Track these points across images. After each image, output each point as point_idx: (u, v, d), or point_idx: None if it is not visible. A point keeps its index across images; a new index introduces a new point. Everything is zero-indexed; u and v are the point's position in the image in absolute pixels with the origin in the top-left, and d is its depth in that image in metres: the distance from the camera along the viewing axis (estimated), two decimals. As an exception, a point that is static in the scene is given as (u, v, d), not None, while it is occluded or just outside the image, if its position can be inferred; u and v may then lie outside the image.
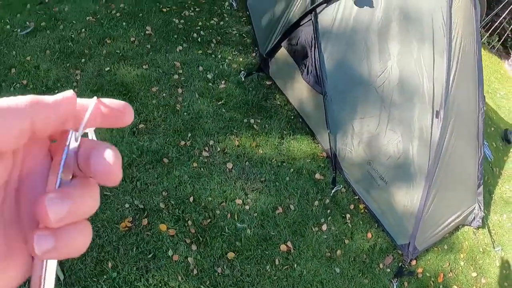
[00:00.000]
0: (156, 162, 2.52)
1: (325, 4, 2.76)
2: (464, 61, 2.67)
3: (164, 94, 2.98)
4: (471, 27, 2.78)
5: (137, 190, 2.36)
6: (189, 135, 2.75)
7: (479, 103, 3.02)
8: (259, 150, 2.87)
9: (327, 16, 2.81)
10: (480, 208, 3.31)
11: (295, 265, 2.45)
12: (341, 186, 2.94)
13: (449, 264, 3.14)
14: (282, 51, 3.19)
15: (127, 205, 2.28)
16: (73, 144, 0.24)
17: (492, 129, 4.52)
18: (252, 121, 3.05)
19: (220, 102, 3.08)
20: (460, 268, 3.19)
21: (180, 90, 3.05)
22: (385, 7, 2.62)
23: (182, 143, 2.69)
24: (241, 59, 3.59)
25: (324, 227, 2.69)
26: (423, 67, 2.54)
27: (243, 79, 3.37)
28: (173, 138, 2.69)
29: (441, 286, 2.99)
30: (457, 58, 2.59)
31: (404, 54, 2.59)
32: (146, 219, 2.26)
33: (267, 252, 2.41)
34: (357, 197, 2.96)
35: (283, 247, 2.48)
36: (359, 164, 2.87)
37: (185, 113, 2.89)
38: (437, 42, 2.52)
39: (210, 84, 3.21)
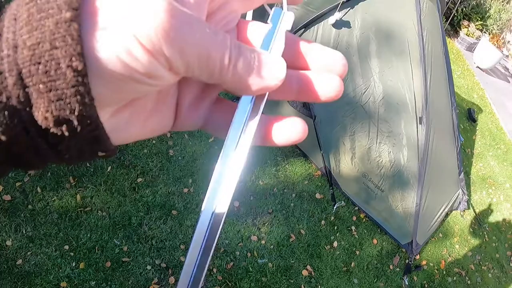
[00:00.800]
0: (165, 216, 2.52)
1: (303, 29, 2.84)
2: (435, 64, 2.86)
3: (153, 141, 2.96)
4: (437, 29, 2.97)
5: (155, 249, 2.37)
6: (190, 180, 2.76)
7: (451, 98, 3.23)
8: (259, 181, 2.93)
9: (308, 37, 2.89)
10: (464, 192, 3.57)
11: (319, 286, 2.57)
12: (341, 201, 3.07)
13: (447, 250, 3.37)
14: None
15: (149, 267, 2.28)
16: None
17: (457, 111, 4.83)
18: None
19: (210, 140, 3.10)
20: (457, 251, 3.44)
21: (168, 134, 3.04)
22: (361, 26, 2.74)
23: (185, 190, 2.70)
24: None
25: (335, 244, 2.82)
26: (403, 79, 2.70)
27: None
28: (175, 187, 2.70)
29: (444, 272, 3.22)
30: (430, 63, 2.77)
31: (385, 69, 2.73)
32: (172, 277, 2.27)
33: (291, 281, 2.51)
34: (357, 207, 3.11)
35: (304, 272, 2.58)
36: (355, 177, 3.01)
37: (179, 158, 2.89)
38: (413, 53, 2.68)
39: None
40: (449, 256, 3.36)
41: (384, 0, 2.74)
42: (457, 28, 6.90)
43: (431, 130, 2.85)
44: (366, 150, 2.89)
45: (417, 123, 2.79)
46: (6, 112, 0.17)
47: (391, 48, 2.74)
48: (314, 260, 2.67)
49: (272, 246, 2.62)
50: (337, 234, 2.88)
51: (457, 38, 6.84)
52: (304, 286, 2.52)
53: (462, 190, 3.54)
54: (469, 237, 3.61)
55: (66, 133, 0.18)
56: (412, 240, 3.00)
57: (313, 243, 2.75)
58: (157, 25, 0.17)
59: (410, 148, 2.82)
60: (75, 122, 0.18)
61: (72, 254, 2.11)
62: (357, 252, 2.88)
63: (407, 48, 2.74)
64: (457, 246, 3.47)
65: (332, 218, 2.95)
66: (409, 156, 2.83)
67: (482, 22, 7.12)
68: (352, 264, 2.80)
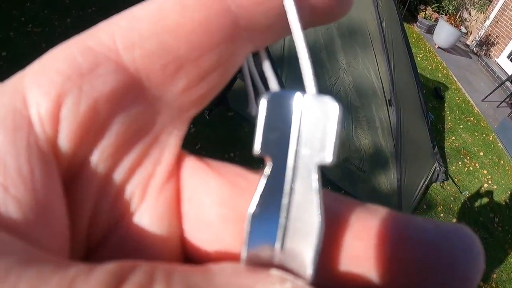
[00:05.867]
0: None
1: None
2: (397, 50, 3.10)
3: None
4: (394, 17, 3.22)
5: None
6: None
7: (415, 79, 3.49)
8: (250, 179, 3.10)
9: (276, 44, 3.09)
10: (440, 165, 3.82)
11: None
12: (328, 187, 3.26)
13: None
14: (239, 82, 3.43)
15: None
16: None
17: (424, 91, 5.11)
18: (232, 154, 3.27)
19: (197, 146, 3.26)
20: (442, 219, 3.66)
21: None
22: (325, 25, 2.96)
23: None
24: (198, 98, 3.77)
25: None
26: (369, 67, 2.93)
27: (207, 118, 3.56)
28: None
29: (432, 242, 3.43)
30: (392, 49, 3.01)
31: (351, 61, 2.96)
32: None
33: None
34: (343, 191, 3.30)
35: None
36: (338, 163, 3.20)
37: (171, 168, 3.03)
38: (375, 42, 2.92)
39: (181, 131, 3.38)
40: (435, 225, 3.58)
41: (341, -3, 2.97)
42: (415, 13, 7.27)
43: (401, 110, 3.08)
44: (344, 137, 3.09)
45: (387, 105, 3.01)
46: None
47: (354, 40, 2.96)
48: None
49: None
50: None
51: (416, 22, 7.20)
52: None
53: (438, 163, 3.78)
54: (451, 205, 3.85)
55: None
56: (398, 214, 3.21)
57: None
58: None
59: (384, 129, 3.04)
60: None
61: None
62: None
63: (369, 38, 2.97)
64: (442, 215, 3.70)
65: (322, 204, 3.13)
66: (384, 136, 3.05)
67: (438, 4, 7.50)
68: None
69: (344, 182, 3.25)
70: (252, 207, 0.15)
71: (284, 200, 0.15)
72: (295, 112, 0.15)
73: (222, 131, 3.46)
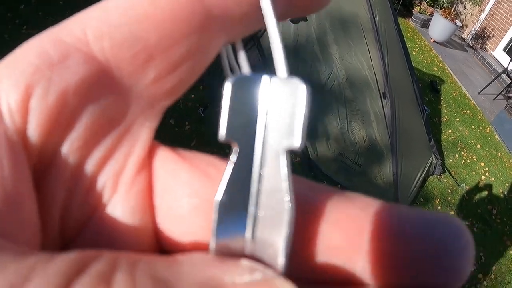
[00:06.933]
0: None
1: (262, 30, 3.03)
2: (391, 43, 3.10)
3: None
4: (387, 10, 3.21)
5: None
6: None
7: (410, 72, 3.48)
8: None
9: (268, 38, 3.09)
10: (437, 157, 3.82)
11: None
12: (324, 181, 3.25)
13: (430, 213, 3.59)
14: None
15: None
16: None
17: (420, 85, 5.11)
18: (227, 151, 3.24)
19: (192, 144, 3.25)
20: (439, 212, 3.66)
21: (152, 145, 3.18)
22: (317, 19, 2.95)
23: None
24: (192, 96, 3.76)
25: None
26: (362, 61, 2.92)
27: (202, 115, 3.56)
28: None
29: (430, 234, 3.43)
30: (386, 43, 3.01)
31: (344, 54, 2.95)
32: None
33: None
34: (339, 185, 3.30)
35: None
36: (333, 158, 3.20)
37: (167, 166, 3.03)
38: (368, 36, 2.92)
39: (176, 129, 3.37)
40: (433, 218, 3.58)
41: (335, -9, 2.97)
42: (410, 7, 7.26)
43: (395, 103, 3.07)
44: (339, 131, 3.08)
45: (381, 98, 3.01)
46: None
47: (347, 34, 2.96)
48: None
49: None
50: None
51: (411, 17, 7.20)
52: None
53: (435, 155, 3.78)
54: (449, 198, 3.85)
55: None
56: (395, 208, 3.20)
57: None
58: None
59: (378, 122, 3.03)
60: None
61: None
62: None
63: (362, 32, 2.97)
64: (439, 208, 3.70)
65: (318, 199, 3.13)
66: (379, 129, 3.05)
67: (432, -1, 7.51)
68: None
69: (340, 176, 3.24)
70: (218, 195, 0.14)
71: (253, 188, 0.14)
72: (262, 95, 0.14)
73: (217, 128, 3.45)
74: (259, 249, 0.14)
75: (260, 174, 0.14)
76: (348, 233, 0.15)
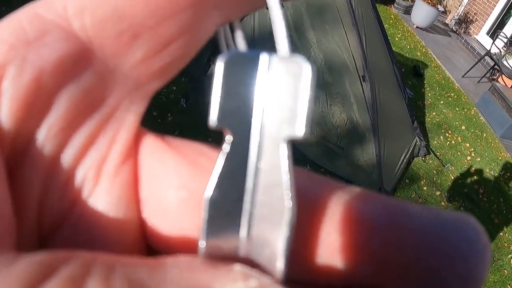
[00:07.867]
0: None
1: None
2: (368, 27, 3.12)
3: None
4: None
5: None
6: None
7: (389, 55, 3.51)
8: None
9: (245, 26, 3.09)
10: (421, 139, 3.84)
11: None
12: (307, 165, 3.27)
13: (416, 193, 3.62)
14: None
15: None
16: None
17: (403, 70, 5.14)
18: (210, 140, 3.27)
19: (176, 134, 3.26)
20: (425, 192, 3.69)
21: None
22: (293, 5, 2.97)
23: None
24: (175, 88, 3.76)
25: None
26: (340, 44, 2.94)
27: (184, 106, 3.56)
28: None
29: (416, 214, 3.46)
30: (363, 27, 3.03)
31: (322, 39, 2.97)
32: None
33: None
34: (322, 169, 3.32)
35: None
36: (315, 142, 3.22)
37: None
38: (344, 19, 2.94)
39: (159, 120, 3.37)
40: (419, 198, 3.61)
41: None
42: (391, -5, 7.31)
43: (375, 86, 3.10)
44: (320, 114, 3.10)
45: (360, 81, 3.03)
46: None
47: (324, 18, 2.98)
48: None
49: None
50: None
51: (393, 4, 7.23)
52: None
53: (418, 137, 3.81)
54: (434, 179, 3.88)
55: None
56: (380, 188, 3.23)
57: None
58: None
59: (359, 105, 3.05)
60: None
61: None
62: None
63: (338, 16, 2.99)
64: (425, 188, 3.73)
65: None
66: (360, 112, 3.07)
67: (414, -15, 7.53)
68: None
69: (323, 159, 3.26)
70: (209, 191, 0.12)
71: (248, 182, 0.12)
72: (259, 76, 0.12)
73: (200, 118, 3.46)
74: (255, 252, 0.12)
75: (256, 167, 0.12)
76: (352, 233, 0.13)
